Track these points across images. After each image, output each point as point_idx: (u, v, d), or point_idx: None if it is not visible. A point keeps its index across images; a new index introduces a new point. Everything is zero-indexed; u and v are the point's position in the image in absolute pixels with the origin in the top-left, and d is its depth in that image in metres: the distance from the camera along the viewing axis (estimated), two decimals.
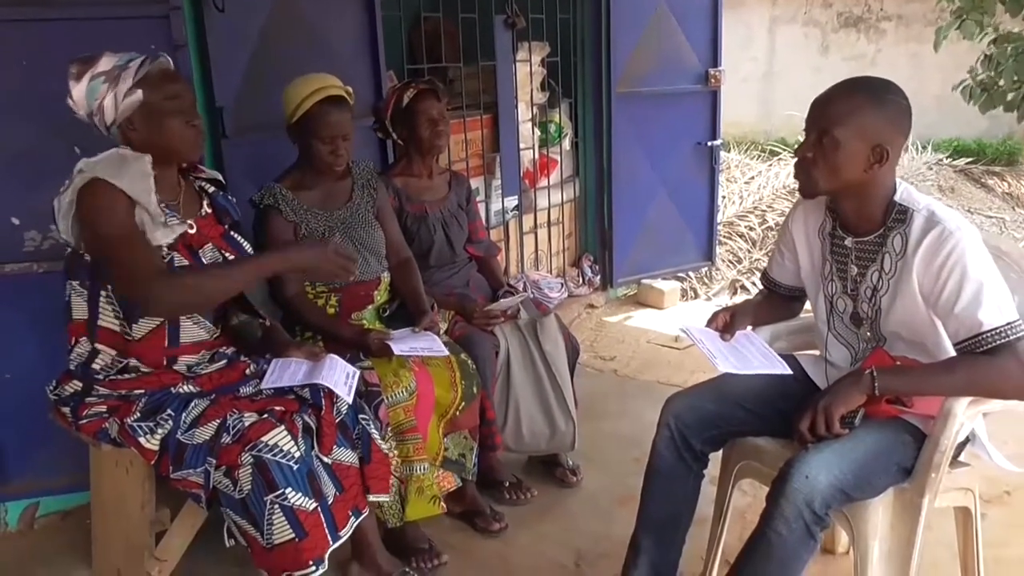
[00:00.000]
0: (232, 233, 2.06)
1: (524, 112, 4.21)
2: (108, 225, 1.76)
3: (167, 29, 2.45)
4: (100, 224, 1.76)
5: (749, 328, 2.11)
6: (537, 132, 4.36)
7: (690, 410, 2.01)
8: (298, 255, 1.95)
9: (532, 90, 4.25)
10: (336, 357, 2.09)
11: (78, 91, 1.83)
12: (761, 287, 2.26)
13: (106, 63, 1.84)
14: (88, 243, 1.82)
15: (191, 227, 1.94)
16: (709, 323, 2.08)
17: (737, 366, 1.92)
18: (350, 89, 2.45)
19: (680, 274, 5.02)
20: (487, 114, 4.03)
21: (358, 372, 2.08)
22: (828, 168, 1.79)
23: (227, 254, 2.00)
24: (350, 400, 1.98)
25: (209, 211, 2.04)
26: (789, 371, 1.94)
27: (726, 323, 2.06)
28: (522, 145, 4.20)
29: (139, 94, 1.82)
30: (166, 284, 1.77)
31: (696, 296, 5.03)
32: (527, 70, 4.17)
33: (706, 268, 5.14)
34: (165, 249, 1.85)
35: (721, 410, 2.01)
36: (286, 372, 2.01)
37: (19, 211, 2.41)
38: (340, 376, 2.01)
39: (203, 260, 1.95)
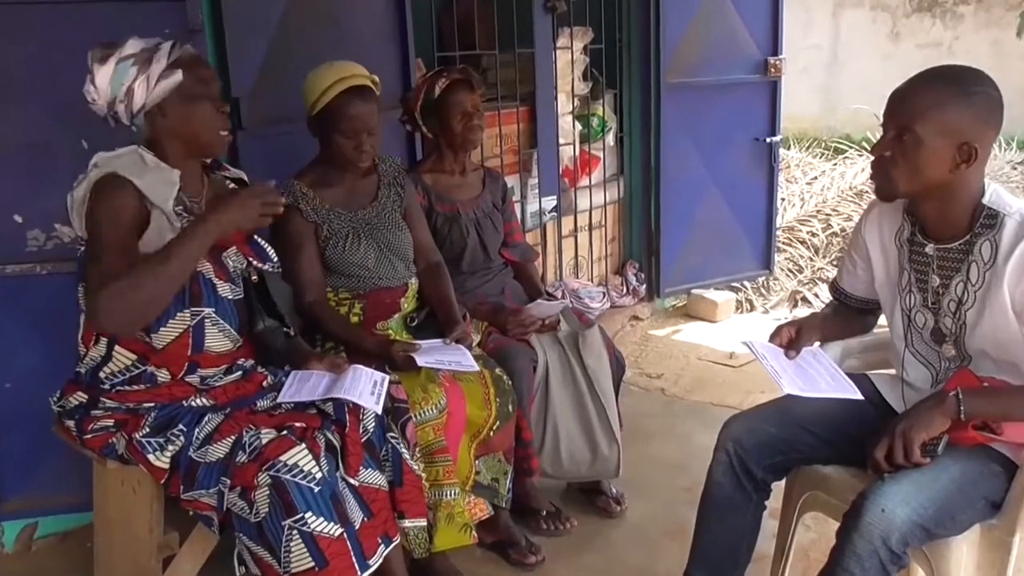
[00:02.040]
0: (256, 238, 2.09)
1: (564, 104, 4.21)
2: (109, 228, 1.79)
3: (182, 14, 2.48)
4: (103, 224, 1.80)
5: (816, 344, 2.09)
6: (578, 126, 4.35)
7: (750, 434, 1.99)
8: (225, 213, 1.82)
9: (573, 80, 4.25)
10: (360, 367, 2.10)
11: (103, 75, 1.86)
12: (829, 299, 2.24)
13: (133, 46, 1.87)
14: (87, 236, 1.85)
15: None
16: (772, 338, 2.06)
17: (803, 388, 1.89)
18: (376, 78, 2.46)
19: (735, 284, 4.98)
20: (524, 106, 4.04)
21: (387, 378, 2.09)
22: (909, 168, 1.76)
23: (252, 260, 2.03)
24: (379, 410, 1.99)
25: None
26: (860, 396, 1.92)
27: (791, 338, 2.04)
28: (562, 140, 4.19)
29: (178, 74, 1.86)
30: (105, 292, 1.72)
31: (752, 308, 4.99)
32: (568, 58, 4.17)
33: (763, 277, 5.09)
34: None
35: (785, 434, 1.98)
36: (305, 385, 2.03)
37: (22, 208, 2.45)
38: (366, 386, 2.02)
39: (227, 265, 1.97)
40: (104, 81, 1.86)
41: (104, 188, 1.81)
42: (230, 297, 1.98)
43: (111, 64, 1.85)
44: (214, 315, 1.94)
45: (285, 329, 2.13)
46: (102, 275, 1.75)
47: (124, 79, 1.85)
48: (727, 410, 2.80)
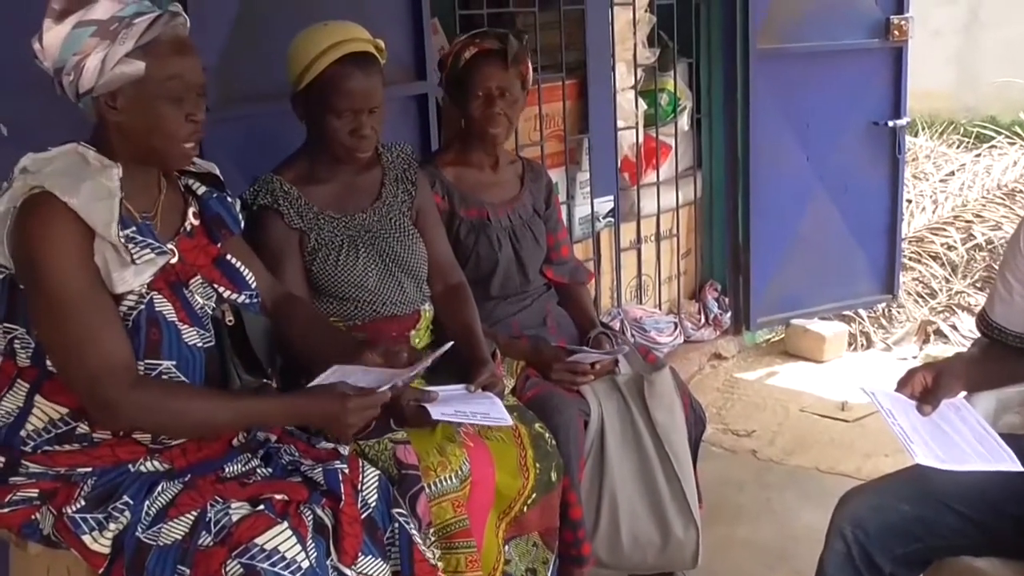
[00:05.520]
0: (228, 257, 2.08)
1: (624, 77, 4.22)
2: (57, 274, 1.78)
3: None
4: (45, 271, 1.78)
5: (961, 395, 2.07)
6: (642, 105, 4.36)
7: (876, 513, 1.97)
8: (310, 407, 2.00)
9: (636, 46, 4.26)
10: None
11: (54, 35, 1.84)
12: (975, 334, 2.21)
13: (104, 9, 1.84)
14: (26, 288, 1.84)
15: (173, 255, 1.96)
16: (900, 387, 2.05)
17: (943, 457, 1.87)
18: (381, 43, 2.46)
19: (847, 312, 4.99)
20: (571, 79, 4.05)
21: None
22: None
23: (223, 290, 2.01)
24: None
25: (196, 223, 2.06)
26: (1021, 467, 1.89)
27: (926, 388, 2.02)
28: (620, 123, 4.21)
29: (141, 67, 1.84)
30: (135, 400, 1.81)
31: (870, 344, 4.99)
32: (629, 17, 4.18)
33: (884, 304, 5.11)
34: (137, 295, 1.87)
35: (922, 514, 1.97)
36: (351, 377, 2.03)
37: None
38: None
39: (191, 303, 1.95)
40: (54, 42, 1.85)
41: (39, 214, 1.79)
42: (198, 344, 1.96)
43: (69, 24, 1.83)
44: (174, 369, 1.92)
45: (265, 381, 2.11)
46: (98, 358, 1.79)
47: (77, 48, 1.84)
48: (840, 479, 2.77)
